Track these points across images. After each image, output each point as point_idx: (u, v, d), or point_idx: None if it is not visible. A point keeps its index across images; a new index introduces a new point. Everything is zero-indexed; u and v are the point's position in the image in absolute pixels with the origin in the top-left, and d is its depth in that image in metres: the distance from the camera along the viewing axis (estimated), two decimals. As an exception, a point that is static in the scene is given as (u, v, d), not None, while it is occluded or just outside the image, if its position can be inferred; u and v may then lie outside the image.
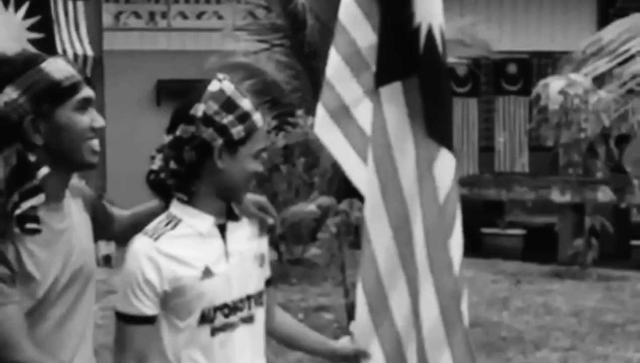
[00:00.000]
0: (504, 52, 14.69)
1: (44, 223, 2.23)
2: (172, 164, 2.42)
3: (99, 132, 2.32)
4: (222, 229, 2.47)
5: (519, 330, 7.30)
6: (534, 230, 12.17)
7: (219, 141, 2.38)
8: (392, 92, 3.19)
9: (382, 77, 3.24)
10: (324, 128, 3.35)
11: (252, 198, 2.60)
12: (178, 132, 2.39)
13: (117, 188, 11.02)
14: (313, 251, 9.59)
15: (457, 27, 11.39)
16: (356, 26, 3.32)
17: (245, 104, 2.43)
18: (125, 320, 2.36)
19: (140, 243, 2.37)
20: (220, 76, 2.46)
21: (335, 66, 3.35)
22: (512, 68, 15.46)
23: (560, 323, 7.53)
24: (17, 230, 2.17)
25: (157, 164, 2.46)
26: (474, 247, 12.53)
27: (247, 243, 2.53)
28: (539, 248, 11.38)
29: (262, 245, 2.61)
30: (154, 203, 2.69)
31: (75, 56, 9.68)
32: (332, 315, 7.61)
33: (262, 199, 2.67)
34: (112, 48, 13.23)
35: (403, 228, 3.03)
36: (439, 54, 3.12)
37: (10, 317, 2.15)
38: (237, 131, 2.39)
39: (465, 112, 15.25)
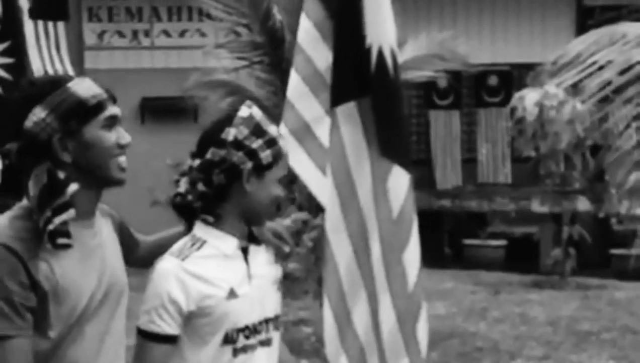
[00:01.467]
0: (484, 65, 14.85)
1: (77, 239, 2.27)
2: (201, 187, 2.49)
3: (126, 149, 2.37)
4: (244, 252, 2.55)
5: (494, 340, 7.42)
6: (516, 240, 12.30)
7: (249, 165, 2.48)
8: (349, 112, 3.31)
9: (337, 97, 3.36)
10: (287, 148, 3.46)
11: (268, 225, 2.68)
12: (208, 156, 2.47)
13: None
14: (292, 265, 9.67)
15: (436, 41, 11.48)
16: (314, 47, 3.44)
17: (273, 130, 2.56)
18: (148, 337, 2.42)
19: (167, 263, 2.44)
20: (248, 102, 2.60)
21: (295, 86, 3.47)
22: (493, 80, 15.58)
23: (536, 333, 7.65)
24: (49, 246, 2.21)
25: (183, 187, 2.53)
26: (456, 258, 12.67)
27: (267, 267, 2.61)
28: (521, 258, 11.51)
29: (279, 270, 2.69)
30: (175, 229, 2.78)
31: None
32: (311, 328, 7.71)
33: (278, 226, 2.75)
34: (96, 67, 13.33)
35: (362, 243, 3.14)
36: (389, 75, 3.25)
37: (16, 351, 2.18)
38: (266, 155, 2.50)
39: (447, 124, 15.35)
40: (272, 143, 2.53)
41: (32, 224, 2.22)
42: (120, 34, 14.75)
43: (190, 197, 2.51)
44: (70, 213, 2.23)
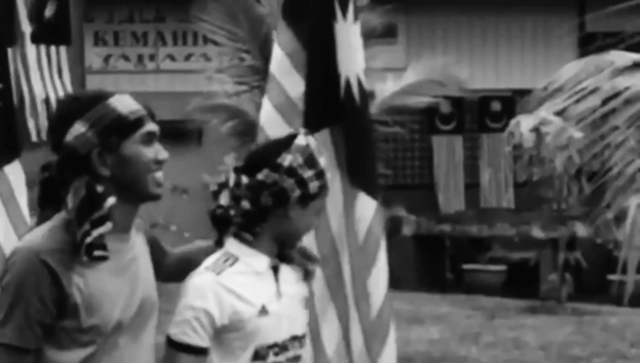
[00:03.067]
0: (487, 90, 14.96)
1: (113, 253, 2.31)
2: (246, 204, 2.56)
3: (162, 165, 2.42)
4: (275, 270, 2.61)
5: (485, 364, 7.49)
6: (515, 265, 12.35)
7: (297, 193, 2.55)
8: (322, 139, 3.40)
9: (311, 125, 3.45)
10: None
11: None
12: (260, 176, 2.54)
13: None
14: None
15: (436, 66, 11.57)
16: (286, 76, 3.53)
17: (323, 162, 2.63)
18: (178, 348, 2.47)
19: (204, 277, 2.50)
20: (303, 130, 2.69)
21: (267, 113, 3.56)
22: (495, 106, 15.66)
23: (528, 357, 7.70)
24: (85, 258, 2.25)
25: (224, 200, 2.60)
26: (457, 283, 12.74)
27: (296, 286, 2.67)
28: (521, 283, 11.56)
29: (306, 289, 2.75)
30: (201, 243, 2.85)
31: (59, 100, 9.90)
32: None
33: (306, 247, 2.81)
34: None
35: (331, 263, 3.23)
36: (355, 104, 3.35)
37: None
38: (314, 186, 2.58)
39: (450, 149, 15.44)
40: (321, 175, 2.60)
41: (69, 237, 2.26)
42: (126, 58, 14.93)
43: (232, 212, 2.57)
44: (108, 226, 2.28)
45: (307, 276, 2.75)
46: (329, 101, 3.39)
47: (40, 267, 2.22)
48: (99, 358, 2.30)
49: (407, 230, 13.31)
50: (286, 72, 3.54)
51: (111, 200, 2.30)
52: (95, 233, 2.25)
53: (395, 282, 11.39)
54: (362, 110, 3.40)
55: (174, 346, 2.48)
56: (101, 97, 2.35)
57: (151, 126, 2.38)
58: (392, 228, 13.25)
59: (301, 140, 2.61)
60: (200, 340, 2.46)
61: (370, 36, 10.49)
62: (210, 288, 2.47)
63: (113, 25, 14.67)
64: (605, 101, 5.56)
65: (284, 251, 2.65)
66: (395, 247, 13.21)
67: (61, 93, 10.12)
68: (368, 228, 3.24)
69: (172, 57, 15.09)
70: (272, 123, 3.53)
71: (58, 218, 2.33)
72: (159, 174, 2.39)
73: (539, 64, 15.19)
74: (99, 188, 2.30)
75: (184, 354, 2.47)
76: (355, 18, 3.45)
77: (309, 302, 2.93)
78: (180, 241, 2.93)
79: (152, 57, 15.05)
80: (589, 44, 15.61)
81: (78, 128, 2.30)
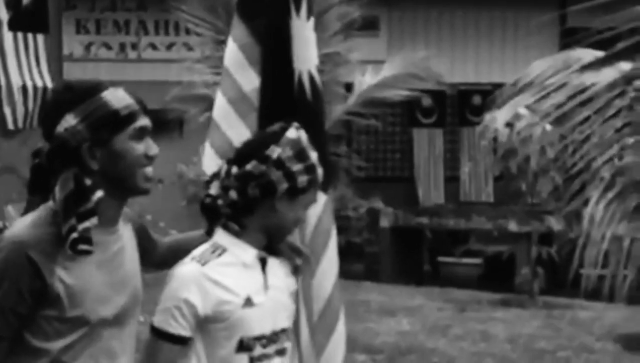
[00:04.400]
0: (468, 84, 15.03)
1: (99, 245, 2.32)
2: (233, 195, 2.59)
3: (153, 160, 2.41)
4: (263, 262, 2.63)
5: (452, 356, 7.54)
6: (491, 258, 12.42)
7: (284, 186, 2.57)
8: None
9: (265, 120, 3.51)
10: (212, 166, 3.61)
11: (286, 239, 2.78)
12: (248, 167, 2.58)
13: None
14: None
15: (413, 60, 11.61)
16: (240, 71, 3.58)
17: (314, 157, 2.65)
18: (161, 336, 2.52)
19: (188, 268, 2.53)
20: (297, 124, 2.68)
21: (220, 107, 3.61)
22: (476, 99, 15.72)
23: (494, 350, 7.78)
24: (70, 252, 2.26)
25: (214, 190, 2.63)
26: (435, 276, 12.82)
27: (283, 279, 2.71)
28: (497, 276, 11.64)
29: (295, 282, 2.78)
30: (193, 233, 2.88)
31: (35, 88, 9.92)
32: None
33: (294, 241, 2.85)
34: (83, 78, 13.52)
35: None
36: (307, 100, 3.42)
37: None
38: (302, 180, 2.60)
39: (431, 142, 15.51)
40: (311, 169, 2.62)
41: (55, 228, 2.27)
42: (108, 47, 14.93)
43: (220, 202, 2.60)
44: (94, 220, 2.28)
45: (296, 270, 2.78)
46: (283, 97, 3.45)
47: (22, 260, 2.24)
48: (82, 347, 2.33)
49: (384, 222, 13.36)
50: (240, 67, 3.59)
51: (99, 194, 2.30)
52: (81, 227, 2.26)
53: (373, 274, 11.52)
54: (314, 106, 3.46)
55: (157, 334, 2.52)
56: (95, 89, 2.35)
57: (143, 121, 2.37)
58: (370, 220, 13.33)
59: (292, 133, 2.63)
60: (182, 329, 2.50)
61: (351, 28, 10.59)
62: (194, 279, 2.50)
63: (95, 14, 14.67)
64: (572, 97, 5.63)
65: (272, 245, 2.67)
66: (373, 239, 13.33)
67: (38, 81, 10.16)
68: (317, 220, 3.30)
69: (154, 46, 15.10)
70: (225, 117, 3.58)
71: (45, 207, 2.33)
72: (148, 170, 2.39)
73: (519, 59, 15.23)
74: (87, 181, 2.30)
75: (165, 342, 2.51)
76: (309, 15, 3.51)
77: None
78: (155, 230, 2.96)
79: (134, 46, 15.05)
80: (569, 39, 15.71)
81: (69, 120, 2.30)
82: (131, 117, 2.34)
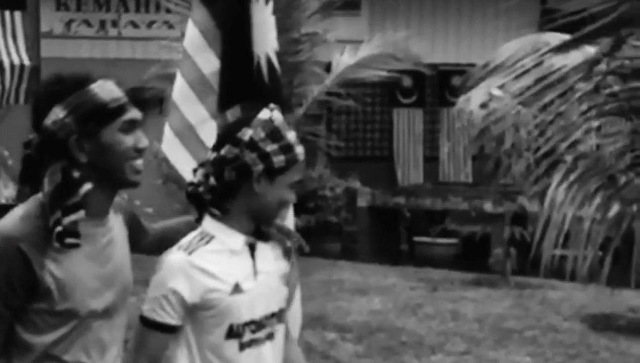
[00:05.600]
0: (448, 65, 15.08)
1: (88, 237, 2.33)
2: (212, 181, 2.58)
3: (143, 153, 2.40)
4: (251, 248, 2.62)
5: (420, 335, 7.63)
6: (467, 238, 12.52)
7: (260, 167, 2.55)
8: (235, 115, 3.54)
9: (224, 102, 3.59)
10: (170, 147, 3.67)
11: (274, 222, 2.76)
12: (222, 152, 2.57)
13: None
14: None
15: (391, 40, 11.64)
16: (200, 53, 3.65)
17: (291, 136, 2.61)
18: (148, 325, 2.53)
19: (175, 257, 2.54)
20: (272, 105, 2.66)
21: (180, 88, 3.68)
22: (456, 80, 15.77)
23: (462, 329, 7.87)
24: (57, 244, 2.26)
25: (197, 177, 2.63)
26: (411, 255, 12.92)
27: (274, 263, 2.69)
28: (473, 256, 11.73)
29: (286, 265, 2.75)
30: (184, 218, 2.92)
31: (12, 65, 9.95)
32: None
33: (284, 223, 2.85)
34: (63, 55, 13.49)
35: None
36: (265, 83, 3.49)
37: None
38: (279, 160, 2.56)
39: (411, 123, 15.58)
40: (287, 148, 2.59)
41: (44, 221, 2.27)
42: (88, 24, 14.89)
43: (201, 189, 2.60)
44: (80, 213, 2.28)
45: (287, 252, 2.76)
46: (242, 80, 3.52)
47: (13, 253, 2.25)
48: (73, 340, 2.34)
49: (362, 202, 13.46)
50: (200, 49, 3.66)
51: (87, 186, 2.30)
52: (67, 221, 2.26)
53: (350, 253, 11.57)
54: (271, 89, 3.54)
55: (145, 323, 2.54)
56: (83, 82, 2.33)
57: (133, 114, 2.36)
58: (348, 200, 13.41)
59: (264, 114, 2.61)
60: (170, 318, 2.51)
61: (330, 8, 10.62)
62: (180, 268, 2.51)
63: (75, -9, 14.65)
64: (541, 79, 5.70)
65: (260, 228, 2.66)
66: (351, 219, 13.41)
67: (15, 58, 10.19)
68: None
69: (134, 24, 15.07)
70: (184, 99, 3.65)
71: (35, 200, 2.33)
72: (138, 162, 2.38)
73: (499, 39, 15.21)
74: (76, 174, 2.30)
75: (153, 331, 2.53)
76: (267, 0, 3.58)
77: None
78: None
79: (114, 24, 15.02)
80: (549, 20, 15.75)
81: (57, 113, 2.30)
82: (119, 110, 2.33)
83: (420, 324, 8.03)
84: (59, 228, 2.25)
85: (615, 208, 5.41)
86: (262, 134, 2.56)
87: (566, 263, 6.17)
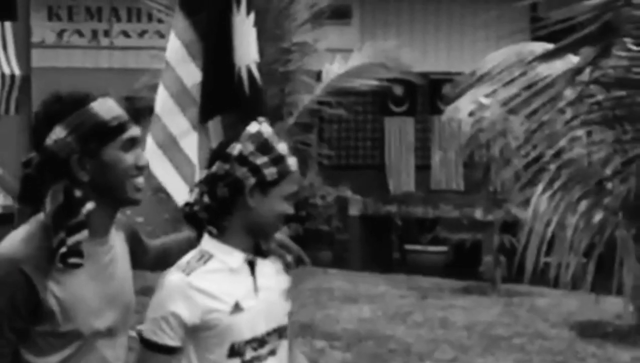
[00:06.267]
0: (439, 73, 15.12)
1: (90, 257, 2.32)
2: (206, 199, 2.56)
3: (143, 170, 2.39)
4: (251, 265, 2.59)
5: (408, 342, 7.67)
6: (459, 246, 12.56)
7: (252, 181, 2.52)
8: (215, 126, 3.60)
9: (206, 113, 3.64)
10: (153, 158, 3.71)
11: (274, 236, 2.74)
12: (213, 169, 2.55)
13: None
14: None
15: (380, 50, 11.68)
16: (182, 65, 3.70)
17: (281, 148, 2.58)
18: (149, 346, 2.50)
19: (173, 278, 2.50)
20: (261, 118, 2.63)
21: (163, 101, 3.73)
22: (447, 89, 15.84)
23: (451, 337, 7.91)
24: (60, 265, 2.25)
25: (192, 197, 2.61)
26: (403, 263, 12.96)
27: (274, 279, 2.66)
28: (465, 264, 11.77)
29: (287, 280, 2.73)
30: (183, 234, 2.89)
31: (3, 75, 9.99)
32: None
33: (284, 236, 2.81)
34: (55, 65, 13.55)
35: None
36: (245, 94, 3.54)
37: None
38: (270, 172, 2.54)
39: (402, 131, 15.63)
40: (278, 160, 2.56)
41: (47, 242, 2.26)
42: (80, 34, 14.92)
43: (196, 208, 2.58)
44: (84, 233, 2.27)
45: (287, 267, 2.74)
46: (223, 90, 3.57)
47: (16, 276, 2.23)
48: (77, 360, 2.33)
49: (354, 210, 13.50)
50: (182, 61, 3.71)
51: (89, 206, 2.29)
52: (71, 241, 2.25)
53: (342, 262, 11.58)
54: (252, 100, 3.59)
55: (145, 344, 2.52)
56: (83, 100, 2.32)
57: (133, 132, 2.35)
58: (339, 208, 13.45)
59: (252, 128, 2.58)
60: (169, 339, 2.49)
61: (320, 18, 10.66)
62: (179, 290, 2.48)
63: (67, 0, 14.66)
64: (526, 88, 5.74)
65: (259, 244, 2.64)
66: (342, 227, 13.44)
67: (6, 68, 10.22)
68: None
69: (126, 34, 15.11)
70: (167, 111, 3.70)
71: (36, 221, 2.32)
72: (139, 180, 2.37)
73: (490, 48, 15.26)
74: (78, 193, 2.29)
75: (154, 352, 2.51)
76: (249, 11, 3.63)
77: None
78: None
79: (106, 33, 15.05)
80: (539, 28, 15.80)
81: (58, 132, 2.28)
82: (120, 128, 2.32)
83: (409, 332, 8.07)
84: (63, 249, 2.24)
85: (598, 216, 5.44)
86: (252, 148, 2.55)
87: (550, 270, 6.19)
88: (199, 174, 3.35)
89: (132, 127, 2.35)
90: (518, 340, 7.80)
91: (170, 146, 3.67)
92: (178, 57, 3.71)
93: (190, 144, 3.68)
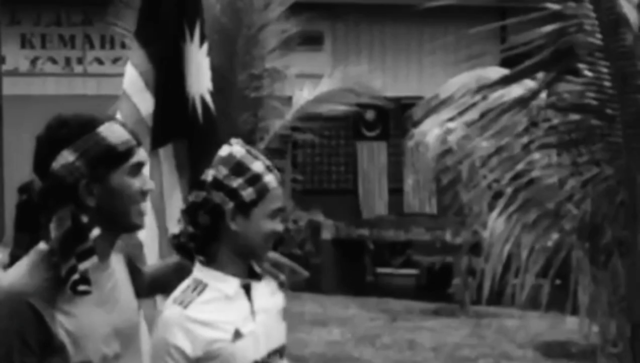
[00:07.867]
0: (411, 98, 15.28)
1: (96, 284, 2.27)
2: (190, 228, 2.53)
3: (147, 195, 2.38)
4: (246, 289, 2.56)
5: (375, 364, 7.79)
6: (430, 269, 12.67)
7: (230, 204, 2.49)
8: (166, 153, 3.68)
9: (158, 140, 3.72)
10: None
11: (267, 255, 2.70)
12: (191, 198, 2.54)
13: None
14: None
15: (351, 75, 11.80)
16: (139, 94, 3.77)
17: (257, 166, 2.54)
18: None
19: (171, 312, 2.48)
20: (233, 140, 2.61)
21: (119, 130, 3.81)
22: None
23: (418, 358, 8.00)
24: (69, 293, 2.20)
25: (179, 228, 2.58)
26: (376, 286, 13.03)
27: (271, 299, 2.64)
28: (436, 287, 11.87)
29: (282, 299, 2.73)
30: (172, 259, 2.81)
31: (-26, 103, 10.03)
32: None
33: (276, 255, 2.76)
34: (29, 93, 13.62)
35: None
36: (199, 123, 3.63)
37: None
38: (248, 193, 2.49)
39: (375, 155, 15.75)
40: (254, 179, 2.52)
41: (51, 271, 2.22)
42: (53, 61, 14.98)
43: (182, 239, 2.56)
44: (93, 259, 2.24)
45: (282, 285, 2.72)
46: (174, 118, 3.65)
47: (24, 310, 2.18)
48: None
49: (326, 234, 13.59)
50: (138, 91, 3.78)
51: (96, 231, 2.27)
52: (82, 267, 2.21)
53: (314, 286, 11.61)
54: (206, 129, 3.67)
55: None
56: (90, 125, 2.29)
57: (140, 156, 2.35)
58: (311, 233, 13.54)
59: (223, 151, 2.57)
60: None
61: (290, 44, 10.78)
62: (178, 324, 2.46)
63: (40, 28, 14.72)
64: (486, 113, 5.85)
65: (252, 267, 2.62)
66: (314, 252, 13.52)
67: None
68: None
69: (99, 61, 15.17)
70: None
71: (37, 251, 2.28)
72: (143, 206, 2.37)
73: (462, 71, 15.47)
74: (84, 219, 2.25)
75: None
76: (202, 41, 3.71)
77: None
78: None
79: (79, 60, 15.11)
80: (510, 52, 15.97)
81: (66, 157, 2.24)
82: (128, 153, 2.31)
83: (377, 354, 8.15)
84: (75, 276, 2.20)
85: (553, 238, 5.54)
86: (225, 171, 2.52)
87: (506, 290, 6.28)
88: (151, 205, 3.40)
89: (139, 151, 2.34)
90: (483, 361, 7.90)
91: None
92: (134, 87, 3.77)
93: (146, 172, 3.76)
